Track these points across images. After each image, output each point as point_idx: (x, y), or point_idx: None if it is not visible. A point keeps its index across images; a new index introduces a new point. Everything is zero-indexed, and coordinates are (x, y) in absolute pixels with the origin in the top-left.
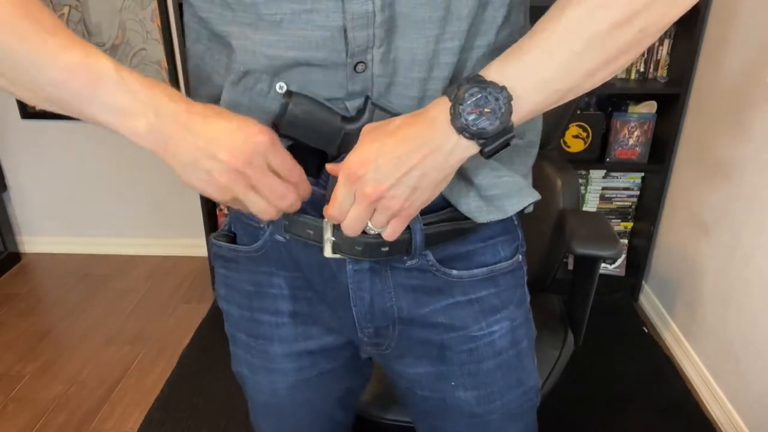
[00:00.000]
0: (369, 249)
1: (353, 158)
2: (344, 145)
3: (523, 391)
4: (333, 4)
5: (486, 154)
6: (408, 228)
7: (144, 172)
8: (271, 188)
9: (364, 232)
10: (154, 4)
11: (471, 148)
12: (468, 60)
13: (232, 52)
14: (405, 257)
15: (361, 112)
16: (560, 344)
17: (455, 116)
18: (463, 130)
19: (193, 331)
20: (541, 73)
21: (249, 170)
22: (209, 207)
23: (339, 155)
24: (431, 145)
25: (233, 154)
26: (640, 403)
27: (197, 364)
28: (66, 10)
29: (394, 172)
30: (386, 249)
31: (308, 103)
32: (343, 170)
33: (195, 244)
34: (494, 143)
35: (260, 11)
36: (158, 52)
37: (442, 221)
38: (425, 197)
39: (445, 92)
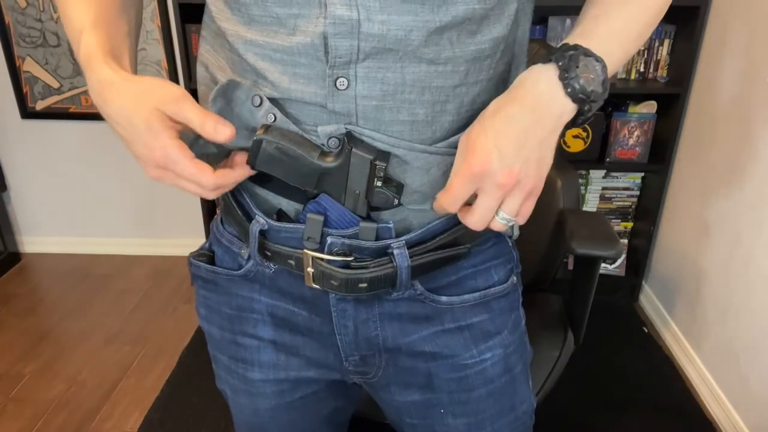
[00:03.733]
0: (345, 284)
1: (474, 156)
2: (322, 183)
3: (515, 417)
4: (317, 11)
5: (581, 120)
6: (392, 262)
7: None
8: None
9: (348, 266)
10: (154, 4)
11: (573, 111)
12: (466, 91)
13: (229, 49)
14: (391, 290)
15: (341, 147)
16: (560, 344)
17: (567, 82)
18: (575, 95)
19: (193, 331)
20: (622, 42)
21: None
22: (209, 207)
23: (318, 194)
24: (539, 113)
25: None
26: (640, 403)
27: (197, 364)
28: None
29: (519, 152)
30: (365, 285)
31: (282, 139)
32: (466, 171)
33: (195, 244)
34: (595, 107)
35: (251, 12)
36: (158, 52)
37: (430, 251)
38: (549, 163)
39: (548, 60)
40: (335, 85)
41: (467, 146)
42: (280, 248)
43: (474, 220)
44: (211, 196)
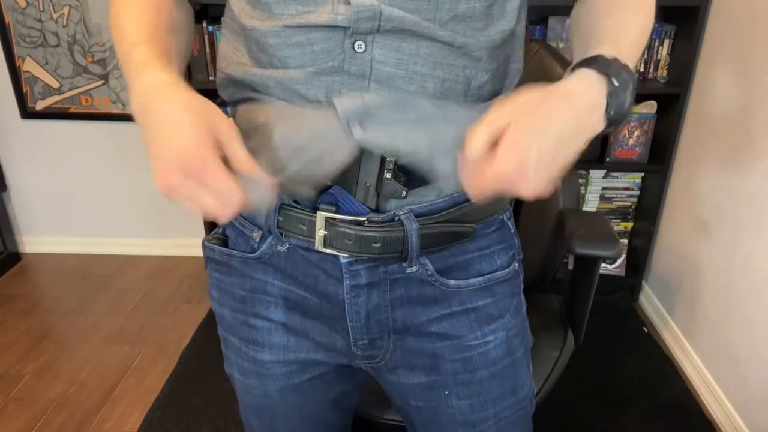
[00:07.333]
0: (360, 242)
1: (511, 162)
2: (335, 176)
3: (516, 400)
4: (335, 5)
5: (604, 133)
6: (402, 224)
7: (144, 172)
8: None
9: (361, 224)
10: None
11: (600, 130)
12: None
13: (252, 42)
14: (404, 264)
15: (357, 158)
16: (560, 344)
17: (613, 106)
18: (617, 119)
19: (193, 331)
20: (637, 52)
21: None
22: None
23: (331, 186)
24: (580, 130)
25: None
26: (640, 403)
27: (197, 364)
28: (66, 10)
29: (547, 169)
30: (378, 245)
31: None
32: (499, 173)
33: (195, 244)
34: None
35: (273, 9)
36: None
37: (438, 223)
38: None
39: (603, 73)
40: (353, 47)
41: (510, 135)
42: (293, 210)
43: (477, 188)
44: (227, 213)
